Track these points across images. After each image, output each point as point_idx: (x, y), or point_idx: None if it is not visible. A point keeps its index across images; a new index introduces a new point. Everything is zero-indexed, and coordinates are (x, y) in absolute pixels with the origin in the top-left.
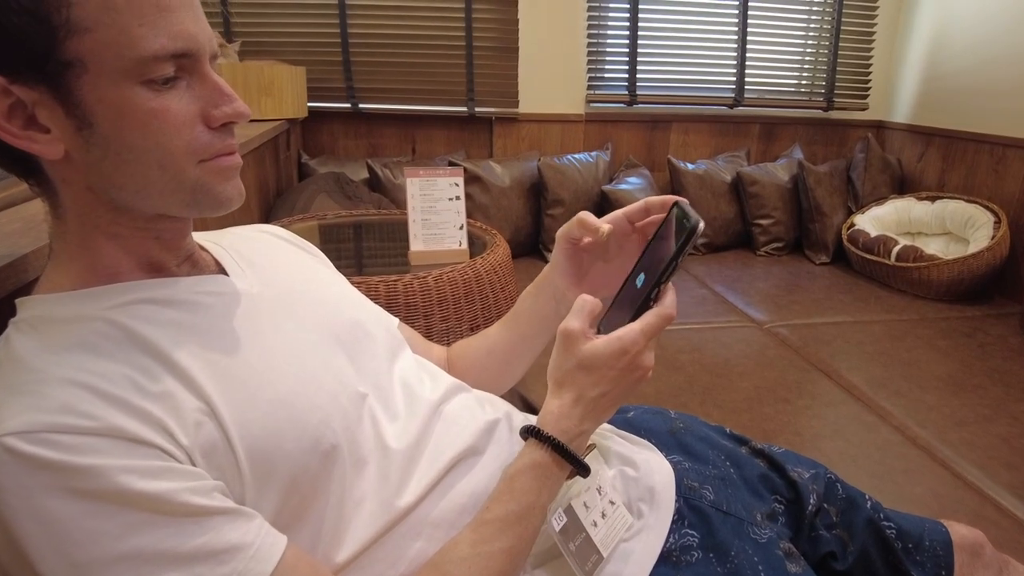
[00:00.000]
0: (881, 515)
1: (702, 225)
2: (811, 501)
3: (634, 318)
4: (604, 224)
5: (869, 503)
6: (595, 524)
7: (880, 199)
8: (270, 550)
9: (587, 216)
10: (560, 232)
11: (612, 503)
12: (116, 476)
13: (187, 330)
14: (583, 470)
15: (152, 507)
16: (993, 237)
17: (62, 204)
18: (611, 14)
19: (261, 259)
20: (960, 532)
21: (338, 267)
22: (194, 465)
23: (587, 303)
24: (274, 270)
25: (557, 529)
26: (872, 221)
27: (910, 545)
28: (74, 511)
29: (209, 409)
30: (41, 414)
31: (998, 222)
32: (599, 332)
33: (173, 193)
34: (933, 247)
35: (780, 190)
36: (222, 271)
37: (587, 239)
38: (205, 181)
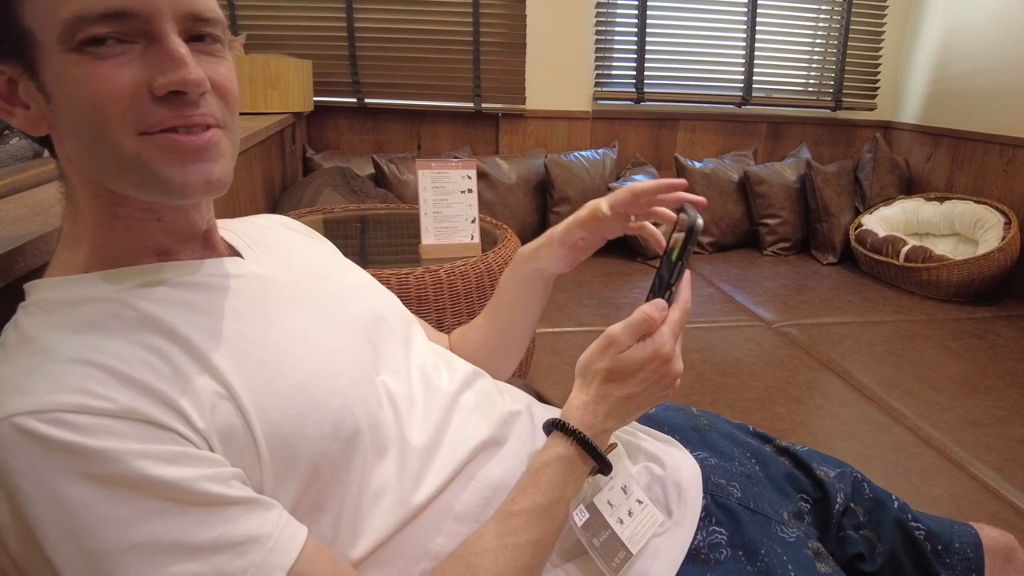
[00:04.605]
0: (909, 516)
1: (700, 222)
2: (838, 500)
3: None
4: (603, 206)
5: (896, 504)
6: (621, 521)
7: (888, 199)
8: (289, 541)
9: (594, 207)
10: (563, 233)
11: (640, 502)
12: (132, 461)
13: (201, 311)
14: (605, 467)
15: (169, 495)
16: (1003, 238)
17: (71, 185)
18: (619, 11)
19: (274, 245)
20: (991, 535)
21: None
22: (211, 450)
23: (644, 323)
24: (288, 256)
25: (580, 524)
26: (880, 221)
27: (940, 547)
28: (88, 496)
29: (226, 392)
30: (56, 394)
31: (1008, 223)
32: None
33: (121, 172)
34: (941, 248)
35: (787, 190)
36: (236, 254)
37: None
38: (148, 158)
